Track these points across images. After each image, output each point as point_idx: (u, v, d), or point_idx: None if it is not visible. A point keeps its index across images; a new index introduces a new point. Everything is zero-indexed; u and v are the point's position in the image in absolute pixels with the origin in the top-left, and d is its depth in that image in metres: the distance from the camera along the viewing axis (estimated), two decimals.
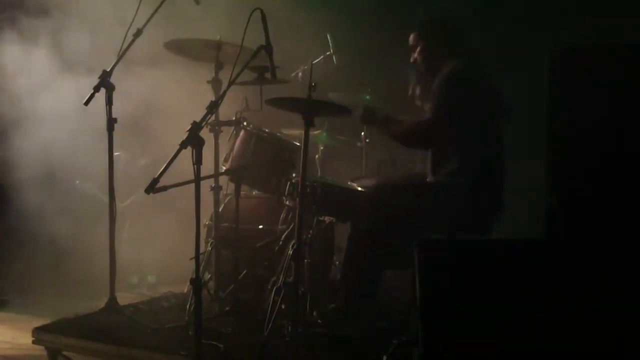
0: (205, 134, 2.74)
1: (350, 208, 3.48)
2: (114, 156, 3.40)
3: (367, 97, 4.56)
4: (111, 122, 3.35)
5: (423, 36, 3.52)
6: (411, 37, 3.57)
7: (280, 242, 3.60)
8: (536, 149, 2.57)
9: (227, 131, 3.71)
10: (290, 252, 3.27)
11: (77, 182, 4.73)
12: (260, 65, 3.13)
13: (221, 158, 3.69)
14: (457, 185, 3.27)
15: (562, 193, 2.43)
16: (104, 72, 3.31)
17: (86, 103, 3.26)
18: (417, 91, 3.77)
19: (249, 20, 2.87)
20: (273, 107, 3.36)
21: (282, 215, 3.86)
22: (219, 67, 3.63)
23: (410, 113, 3.77)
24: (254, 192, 4.08)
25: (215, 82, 3.61)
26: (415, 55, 3.55)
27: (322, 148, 4.79)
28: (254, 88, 3.46)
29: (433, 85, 3.38)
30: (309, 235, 3.49)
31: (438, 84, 3.34)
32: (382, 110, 3.55)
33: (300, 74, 4.59)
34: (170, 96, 4.41)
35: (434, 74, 3.45)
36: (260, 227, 3.89)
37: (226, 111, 3.64)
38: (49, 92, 4.26)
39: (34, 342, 3.16)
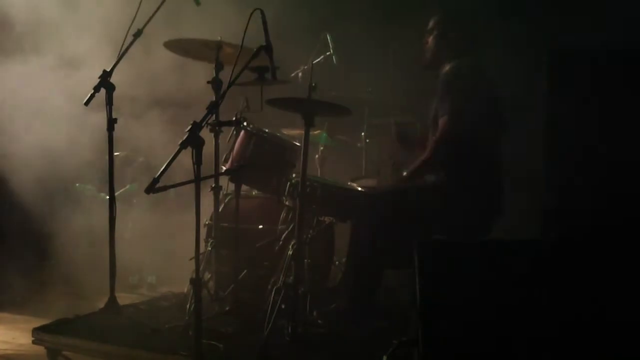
0: (205, 134, 2.74)
1: (350, 208, 3.48)
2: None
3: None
4: (111, 122, 3.35)
5: (440, 27, 3.47)
6: (431, 21, 3.51)
7: (280, 242, 3.60)
8: (536, 149, 2.57)
9: (227, 131, 3.71)
10: (290, 252, 3.27)
11: (77, 185, 4.74)
12: (261, 66, 3.13)
13: (221, 158, 3.69)
14: (456, 185, 3.28)
15: (561, 193, 2.43)
16: (104, 72, 3.31)
17: (86, 103, 3.26)
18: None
19: (249, 20, 2.87)
20: (273, 108, 3.36)
21: (282, 215, 3.86)
22: (219, 67, 3.63)
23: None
24: (254, 192, 4.08)
25: (215, 83, 3.61)
26: (427, 40, 3.51)
27: (322, 148, 4.79)
28: (254, 88, 3.46)
29: (439, 85, 3.37)
30: (309, 235, 3.49)
31: (445, 85, 3.31)
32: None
33: (300, 74, 4.59)
34: None
35: (434, 68, 3.46)
36: (260, 227, 3.89)
37: (226, 111, 3.65)
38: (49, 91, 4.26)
39: (34, 342, 3.16)
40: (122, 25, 3.41)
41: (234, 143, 3.65)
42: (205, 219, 3.90)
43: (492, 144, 3.36)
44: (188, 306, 3.36)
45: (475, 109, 3.23)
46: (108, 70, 3.32)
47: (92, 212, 4.47)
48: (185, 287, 3.85)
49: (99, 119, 3.40)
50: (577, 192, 2.47)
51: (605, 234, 2.37)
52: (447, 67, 3.39)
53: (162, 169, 2.51)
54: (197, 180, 2.62)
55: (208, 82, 3.62)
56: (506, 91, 3.47)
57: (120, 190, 4.70)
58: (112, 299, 3.35)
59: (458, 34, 3.43)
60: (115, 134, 3.39)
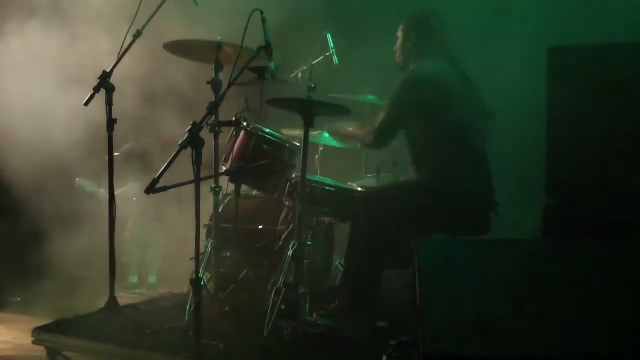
0: (205, 134, 2.74)
1: (350, 208, 3.48)
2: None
3: (370, 97, 4.56)
4: (111, 122, 3.35)
5: (403, 30, 3.59)
6: (399, 29, 3.63)
7: (280, 243, 3.60)
8: (536, 149, 2.57)
9: (227, 132, 3.71)
10: (290, 252, 3.27)
11: (77, 179, 4.73)
12: (260, 66, 3.13)
13: (221, 158, 3.69)
14: (453, 185, 3.27)
15: (561, 193, 2.43)
16: (104, 72, 3.31)
17: (86, 104, 3.26)
18: None
19: (248, 21, 2.87)
20: (273, 108, 3.36)
21: (282, 216, 3.86)
22: (219, 68, 3.63)
23: None
24: (254, 193, 4.08)
25: (215, 83, 3.61)
26: (395, 47, 3.62)
27: (322, 148, 4.79)
28: (254, 89, 3.46)
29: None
30: (309, 236, 3.48)
31: (397, 87, 3.41)
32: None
33: (300, 74, 4.59)
34: None
35: (405, 69, 3.55)
36: (260, 227, 3.89)
37: (226, 112, 3.65)
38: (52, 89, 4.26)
39: (34, 342, 3.16)
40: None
41: (234, 143, 3.65)
42: (205, 219, 3.90)
43: (476, 141, 3.38)
44: (188, 306, 3.36)
45: (422, 110, 3.32)
46: (108, 71, 3.32)
47: (93, 209, 4.46)
48: (185, 288, 3.85)
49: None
50: (578, 192, 2.46)
51: (606, 233, 2.37)
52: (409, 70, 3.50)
53: (162, 170, 2.52)
54: (197, 180, 2.62)
55: (208, 83, 3.62)
56: (507, 89, 3.48)
57: (122, 189, 4.70)
58: (112, 299, 3.35)
59: (419, 36, 3.53)
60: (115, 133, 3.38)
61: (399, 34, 3.61)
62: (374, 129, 3.46)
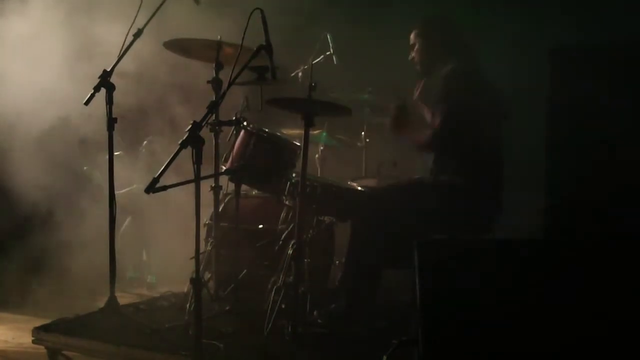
0: (205, 134, 2.74)
1: (350, 208, 3.48)
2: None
3: (366, 96, 4.57)
4: (111, 122, 3.34)
5: (421, 35, 3.55)
6: (411, 35, 3.60)
7: (280, 242, 3.60)
8: (536, 149, 2.57)
9: (227, 131, 3.71)
10: (290, 251, 3.27)
11: (85, 168, 4.71)
12: (260, 66, 3.13)
13: (221, 158, 3.69)
14: (457, 185, 3.28)
15: (561, 193, 2.43)
16: (104, 72, 3.30)
17: (86, 103, 3.26)
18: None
19: (248, 20, 2.87)
20: (273, 107, 3.36)
21: (282, 215, 3.86)
22: (219, 67, 3.63)
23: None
24: (254, 192, 4.08)
25: (215, 82, 3.61)
26: (413, 54, 3.58)
27: (322, 148, 4.79)
28: (254, 88, 3.46)
29: (437, 85, 3.40)
30: (309, 235, 3.49)
31: (444, 86, 3.35)
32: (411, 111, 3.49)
33: (300, 74, 4.59)
34: None
35: (428, 74, 3.51)
36: (260, 227, 3.89)
37: (226, 111, 3.65)
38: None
39: (34, 342, 3.16)
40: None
41: (234, 143, 3.65)
42: (205, 218, 3.90)
43: (491, 144, 3.37)
44: (188, 306, 3.36)
45: (470, 111, 3.25)
46: (108, 70, 3.32)
47: (92, 208, 4.45)
48: (185, 287, 3.85)
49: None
50: (578, 191, 2.46)
51: (606, 233, 2.36)
52: (444, 70, 3.44)
53: (162, 169, 2.51)
54: (197, 180, 2.62)
55: (208, 82, 3.62)
56: (507, 88, 3.49)
57: (126, 189, 4.69)
58: (112, 299, 3.35)
59: (437, 41, 3.50)
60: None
61: (416, 38, 3.56)
62: (437, 128, 3.30)
